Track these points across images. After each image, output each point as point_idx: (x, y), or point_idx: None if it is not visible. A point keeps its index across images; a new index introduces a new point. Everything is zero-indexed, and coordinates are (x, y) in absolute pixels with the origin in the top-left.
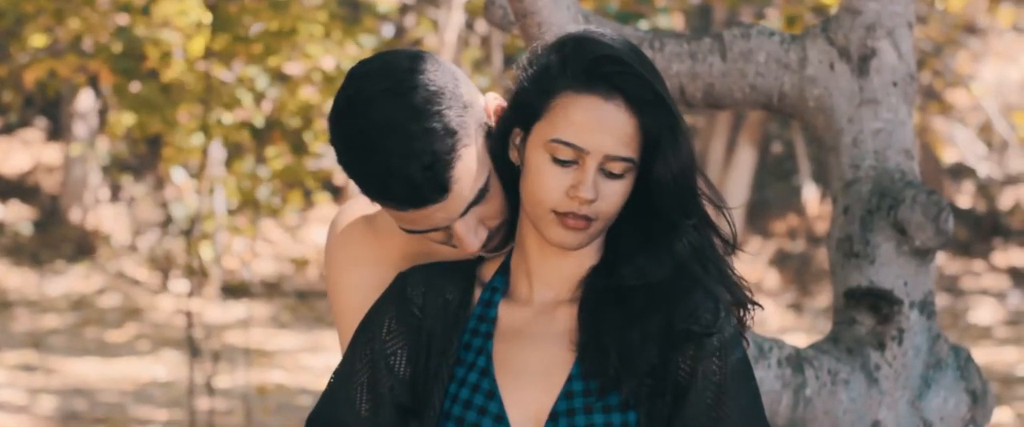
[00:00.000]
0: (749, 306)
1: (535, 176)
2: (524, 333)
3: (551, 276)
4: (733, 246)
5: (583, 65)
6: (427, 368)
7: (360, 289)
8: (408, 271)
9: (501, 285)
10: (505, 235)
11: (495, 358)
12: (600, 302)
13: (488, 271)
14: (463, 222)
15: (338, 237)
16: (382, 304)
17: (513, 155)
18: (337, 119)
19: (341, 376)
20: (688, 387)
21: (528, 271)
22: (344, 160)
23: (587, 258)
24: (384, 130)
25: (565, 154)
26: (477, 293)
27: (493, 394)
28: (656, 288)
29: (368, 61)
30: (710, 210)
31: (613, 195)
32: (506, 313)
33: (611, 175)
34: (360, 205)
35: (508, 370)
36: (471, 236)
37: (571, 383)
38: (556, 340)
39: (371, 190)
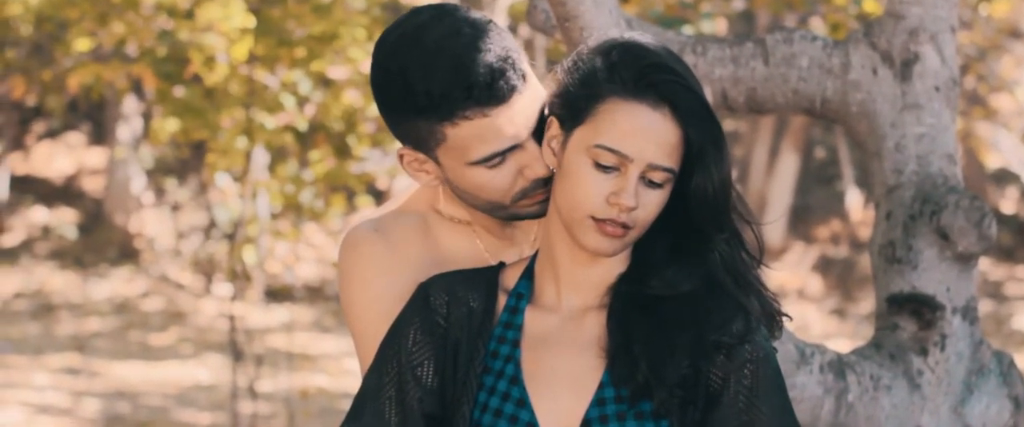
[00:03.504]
0: (778, 318)
1: (575, 180)
2: (552, 340)
3: (580, 282)
4: (759, 261)
5: (632, 72)
6: (454, 377)
7: (378, 302)
8: (429, 281)
9: (526, 291)
10: (545, 207)
11: (523, 365)
12: (629, 310)
13: (511, 277)
14: (533, 142)
15: (351, 253)
16: (406, 316)
17: (549, 157)
18: (387, 71)
19: (368, 390)
20: (720, 393)
21: (556, 277)
22: (410, 93)
23: (616, 265)
24: (448, 38)
25: (608, 160)
26: (501, 300)
27: (524, 402)
28: (686, 299)
29: (391, 27)
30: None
31: (652, 204)
32: (533, 320)
33: (651, 184)
34: (370, 219)
35: (537, 378)
36: (542, 157)
37: (603, 390)
38: (585, 347)
39: (450, 100)
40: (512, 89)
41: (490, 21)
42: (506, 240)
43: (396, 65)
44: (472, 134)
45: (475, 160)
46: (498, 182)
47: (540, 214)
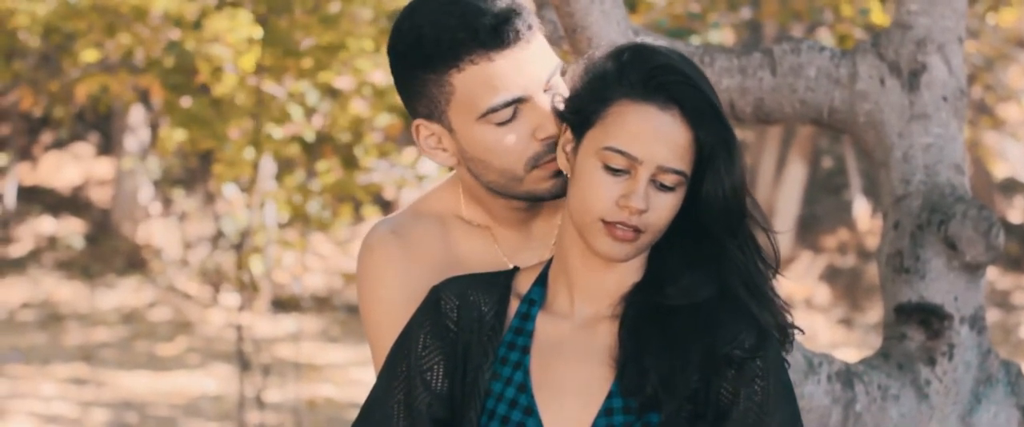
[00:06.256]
0: (790, 331)
1: (585, 183)
2: (563, 347)
3: (594, 290)
4: (775, 270)
5: (641, 74)
6: (463, 383)
7: (394, 304)
8: (442, 284)
9: (539, 297)
10: (561, 184)
11: (532, 373)
12: (641, 320)
13: (524, 283)
14: (544, 102)
15: (367, 255)
16: (417, 319)
17: (562, 162)
18: (402, 30)
19: (377, 395)
20: (730, 408)
21: (570, 284)
22: (420, 44)
23: (630, 274)
24: None
25: (618, 162)
26: (513, 305)
27: (531, 410)
28: (699, 309)
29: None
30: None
31: (663, 208)
32: (544, 326)
33: (663, 187)
34: (388, 219)
35: (546, 386)
36: (552, 117)
37: (611, 400)
38: (596, 355)
39: (456, 44)
40: (518, 35)
41: None
42: (525, 239)
43: (410, 23)
44: (479, 80)
45: (484, 111)
46: (509, 142)
47: (557, 193)
